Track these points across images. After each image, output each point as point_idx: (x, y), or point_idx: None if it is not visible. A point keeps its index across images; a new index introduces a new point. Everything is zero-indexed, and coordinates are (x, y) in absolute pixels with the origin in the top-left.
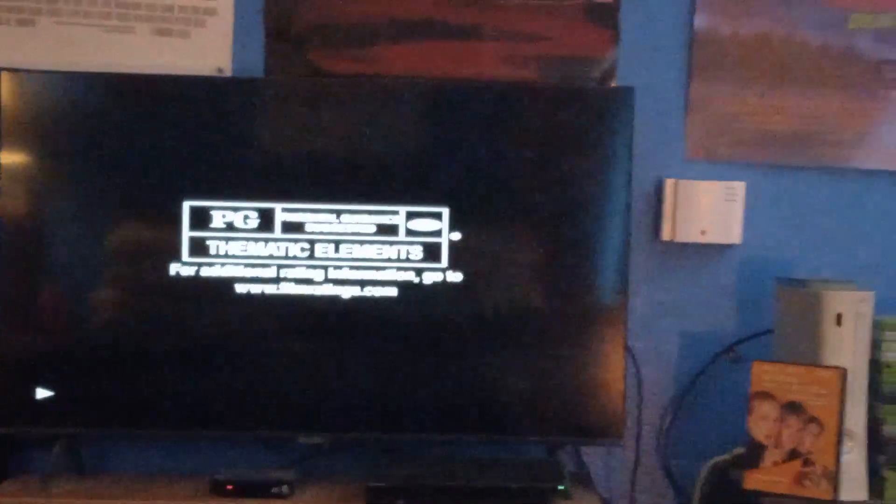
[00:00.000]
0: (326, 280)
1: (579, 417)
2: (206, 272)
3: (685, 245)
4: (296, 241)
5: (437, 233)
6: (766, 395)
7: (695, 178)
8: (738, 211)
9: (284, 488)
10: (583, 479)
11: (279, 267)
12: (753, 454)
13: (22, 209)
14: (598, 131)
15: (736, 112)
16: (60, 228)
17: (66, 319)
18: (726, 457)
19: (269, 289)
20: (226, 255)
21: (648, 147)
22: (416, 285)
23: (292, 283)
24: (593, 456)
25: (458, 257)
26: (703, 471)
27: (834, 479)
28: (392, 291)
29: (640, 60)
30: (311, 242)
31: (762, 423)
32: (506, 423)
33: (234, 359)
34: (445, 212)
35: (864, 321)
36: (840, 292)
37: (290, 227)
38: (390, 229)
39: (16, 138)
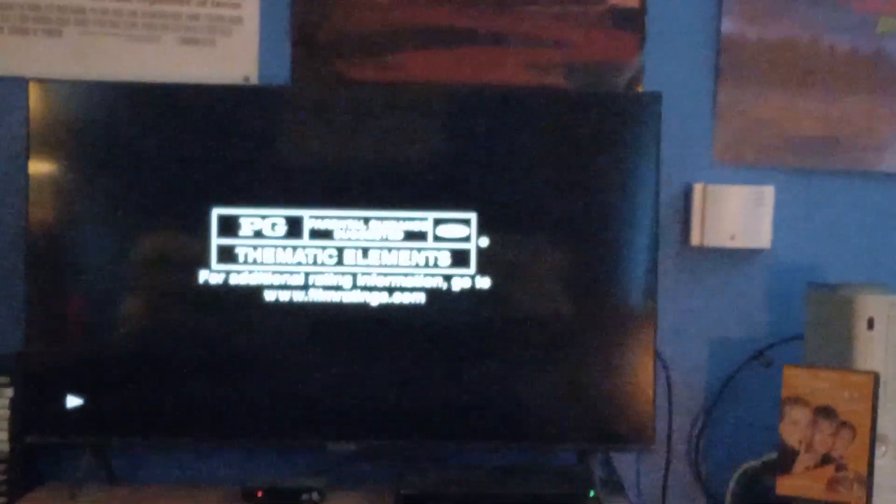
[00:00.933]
0: (355, 286)
1: (609, 424)
2: (234, 280)
3: (714, 250)
4: (324, 248)
5: (466, 239)
6: (797, 400)
7: (723, 183)
8: (767, 215)
9: (315, 495)
10: (613, 485)
11: (307, 274)
12: (785, 459)
13: (50, 218)
14: (625, 136)
15: (764, 116)
16: (89, 237)
17: (96, 328)
18: (758, 462)
19: (298, 296)
20: (254, 263)
21: (676, 152)
22: (444, 291)
23: (321, 290)
24: (624, 462)
25: (487, 263)
26: (735, 477)
27: (867, 484)
28: (420, 298)
29: (667, 65)
30: (339, 249)
31: (794, 428)
32: (535, 430)
33: (262, 366)
34: (473, 217)
35: (895, 325)
36: (871, 296)
37: (317, 234)
38: (418, 235)
39: (44, 147)
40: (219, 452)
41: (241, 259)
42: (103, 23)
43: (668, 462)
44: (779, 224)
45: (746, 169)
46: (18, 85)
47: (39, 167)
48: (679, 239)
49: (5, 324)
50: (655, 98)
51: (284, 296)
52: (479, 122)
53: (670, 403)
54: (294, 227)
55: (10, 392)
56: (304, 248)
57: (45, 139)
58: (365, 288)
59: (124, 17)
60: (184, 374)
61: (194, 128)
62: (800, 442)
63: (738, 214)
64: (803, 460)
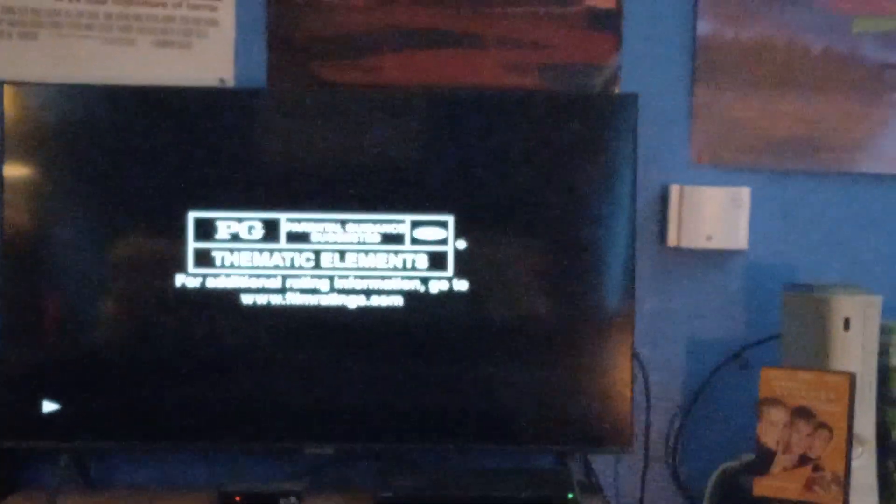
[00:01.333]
0: (332, 290)
1: (587, 425)
2: (211, 283)
3: (691, 251)
4: (301, 251)
5: (443, 241)
6: (774, 401)
7: (700, 184)
8: (743, 216)
9: (293, 499)
10: (592, 487)
11: (285, 277)
12: (763, 460)
13: (26, 221)
14: (602, 138)
15: (740, 117)
16: (64, 240)
17: (72, 332)
18: (735, 463)
19: (275, 299)
20: (231, 266)
21: (653, 153)
22: (422, 294)
23: (298, 294)
24: (602, 464)
25: (464, 266)
26: (713, 477)
27: (844, 484)
28: (398, 301)
29: (644, 67)
30: (317, 252)
31: (771, 428)
32: (514, 432)
33: (240, 370)
34: (451, 220)
35: (871, 326)
36: (848, 297)
37: (294, 238)
38: (395, 238)
39: (19, 150)
40: (197, 457)
41: (217, 263)
42: (78, 25)
43: (646, 463)
44: (755, 225)
45: (723, 170)
46: None
47: (14, 170)
48: (656, 240)
49: None
50: (632, 99)
51: (262, 299)
52: (456, 124)
53: (648, 404)
54: (271, 231)
55: None
56: (280, 251)
57: (20, 142)
58: (342, 291)
59: (99, 20)
60: (161, 379)
61: (170, 131)
62: (777, 443)
63: (715, 216)
64: (781, 461)
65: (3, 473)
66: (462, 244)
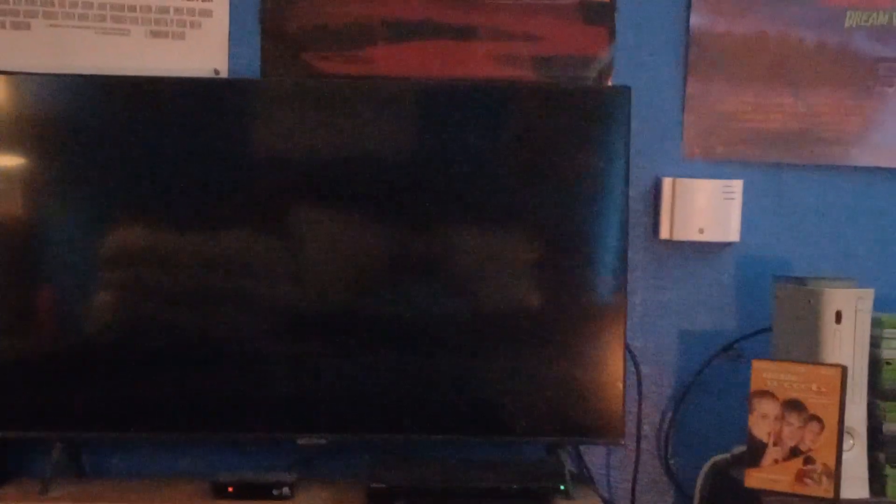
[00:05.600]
0: (325, 280)
1: (579, 417)
2: (205, 274)
3: (683, 243)
4: (294, 241)
5: (435, 231)
6: (766, 394)
7: (692, 177)
8: (735, 209)
9: (285, 490)
10: (584, 478)
11: (279, 268)
12: (754, 452)
13: (18, 212)
14: (595, 131)
15: (733, 110)
16: (57, 231)
17: (64, 322)
18: (727, 455)
19: (270, 290)
20: (223, 256)
21: (646, 146)
22: (413, 285)
23: (290, 284)
24: (594, 455)
25: (457, 257)
26: (704, 469)
27: (835, 476)
28: (390, 291)
29: (637, 59)
30: (310, 242)
31: (763, 421)
32: (506, 424)
33: (232, 361)
34: (442, 211)
35: (863, 318)
36: (839, 290)
37: (286, 227)
38: (388, 228)
39: (11, 141)
40: (189, 447)
41: (211, 253)
42: (72, 16)
43: (637, 455)
44: (748, 218)
45: (715, 163)
46: None
47: (6, 160)
48: (648, 232)
49: None
50: (625, 92)
51: (256, 289)
52: (448, 115)
53: (640, 396)
54: (264, 220)
55: None
56: (274, 240)
57: (13, 133)
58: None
59: (93, 10)
60: (153, 369)
61: (163, 121)
62: (768, 435)
63: (708, 208)
64: (772, 453)
65: None
66: (454, 235)
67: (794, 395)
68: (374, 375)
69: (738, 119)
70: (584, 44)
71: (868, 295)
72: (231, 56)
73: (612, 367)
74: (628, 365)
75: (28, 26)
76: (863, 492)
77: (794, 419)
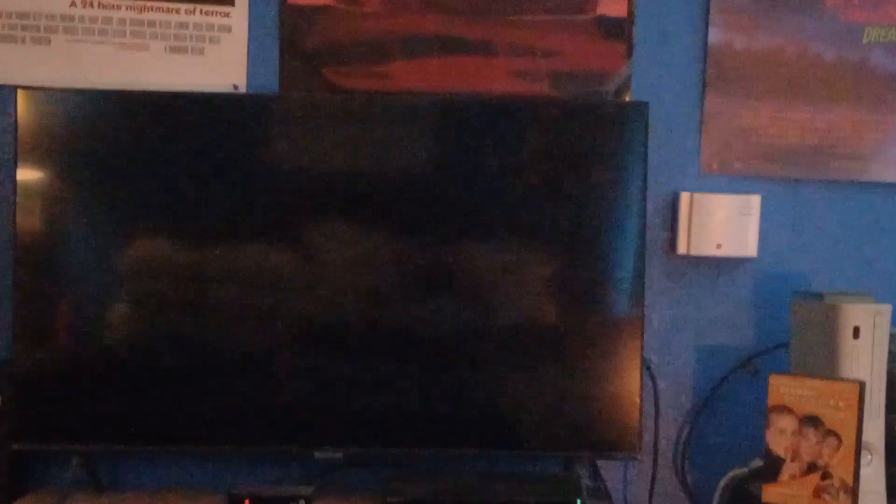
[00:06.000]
0: (343, 294)
1: (596, 431)
2: (225, 287)
3: (701, 259)
4: (311, 255)
5: (454, 246)
6: (783, 409)
7: (710, 192)
8: (753, 224)
9: (302, 503)
10: (600, 493)
11: (297, 281)
12: (771, 468)
13: (40, 226)
14: (612, 146)
15: (750, 126)
16: (76, 244)
17: (84, 335)
18: (744, 470)
19: (288, 304)
20: (241, 270)
21: (663, 161)
22: (432, 300)
23: (309, 299)
24: (610, 470)
25: (475, 272)
26: (721, 484)
27: (853, 492)
28: (408, 305)
29: (654, 75)
30: (328, 256)
31: (780, 436)
32: (522, 438)
33: (250, 374)
34: (461, 225)
35: (881, 334)
36: (857, 305)
37: (305, 241)
38: (406, 242)
39: (32, 155)
40: (206, 460)
41: (228, 266)
42: (92, 31)
43: (654, 469)
44: (765, 233)
45: (733, 178)
46: (6, 93)
47: (27, 175)
48: (666, 247)
49: None
50: (642, 107)
51: (275, 303)
52: (467, 130)
53: (657, 411)
54: (282, 234)
55: None
56: (291, 254)
57: (34, 147)
58: (353, 295)
59: (113, 25)
60: (171, 382)
61: (182, 136)
62: (786, 450)
63: (725, 223)
64: (789, 468)
65: (14, 475)
66: (473, 250)
67: (811, 410)
68: (391, 389)
69: (756, 134)
70: (602, 59)
71: (886, 310)
72: (250, 71)
73: (629, 382)
74: (645, 380)
75: (48, 41)
76: None
77: (811, 434)
